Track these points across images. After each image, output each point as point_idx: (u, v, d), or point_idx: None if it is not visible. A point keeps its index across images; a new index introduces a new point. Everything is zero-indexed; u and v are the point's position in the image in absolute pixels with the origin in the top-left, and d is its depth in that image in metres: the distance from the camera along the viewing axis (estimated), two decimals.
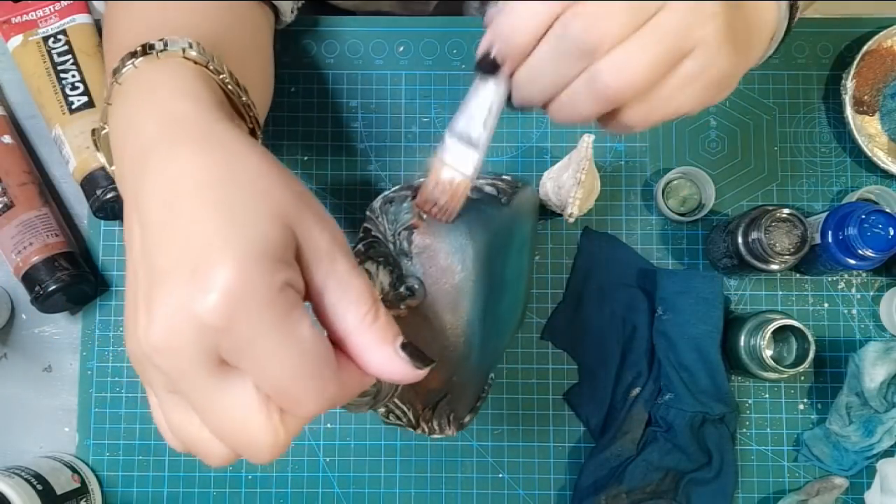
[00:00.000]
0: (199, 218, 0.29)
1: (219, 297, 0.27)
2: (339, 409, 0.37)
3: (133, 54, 0.37)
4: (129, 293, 0.32)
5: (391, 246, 0.43)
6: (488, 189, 0.50)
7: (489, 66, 0.35)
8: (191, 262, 0.28)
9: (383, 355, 0.31)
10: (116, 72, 0.38)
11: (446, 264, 0.41)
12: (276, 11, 0.56)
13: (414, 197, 0.42)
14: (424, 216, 0.41)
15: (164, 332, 0.28)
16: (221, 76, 0.38)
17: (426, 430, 0.44)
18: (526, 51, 0.35)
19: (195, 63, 0.37)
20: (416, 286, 0.42)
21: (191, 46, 0.38)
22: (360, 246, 0.44)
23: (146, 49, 0.37)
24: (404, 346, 0.32)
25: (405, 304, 0.41)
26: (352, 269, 0.31)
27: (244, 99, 0.40)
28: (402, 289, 0.42)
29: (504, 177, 0.50)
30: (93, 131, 0.40)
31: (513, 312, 0.53)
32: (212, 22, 0.45)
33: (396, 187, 0.44)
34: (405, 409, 0.42)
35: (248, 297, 0.28)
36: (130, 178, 0.33)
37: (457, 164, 0.37)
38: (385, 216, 0.43)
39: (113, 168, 0.39)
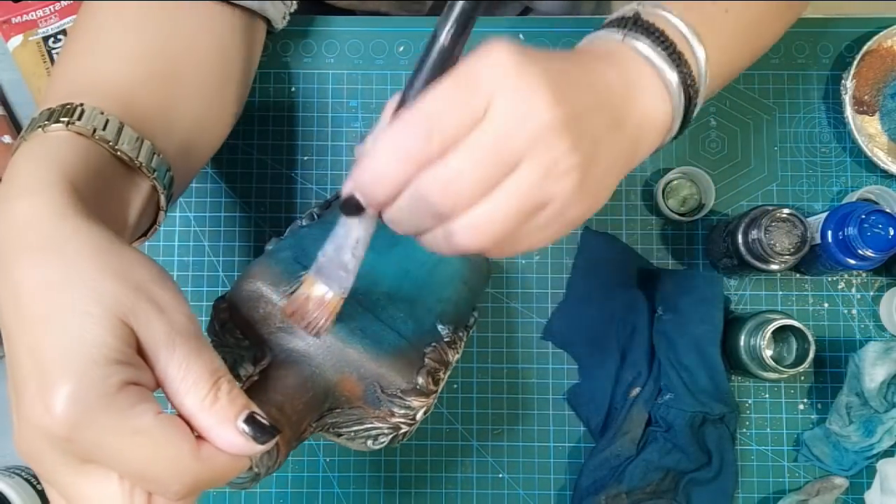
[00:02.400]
0: (38, 329, 0.31)
1: (59, 412, 0.30)
2: (226, 487, 0.38)
3: (31, 122, 0.40)
4: (7, 390, 0.34)
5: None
6: (305, 221, 0.53)
7: (354, 209, 0.36)
8: (36, 374, 0.31)
9: (225, 435, 0.33)
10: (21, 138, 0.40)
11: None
12: (268, 20, 0.56)
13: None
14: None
15: (24, 442, 0.32)
16: (109, 143, 0.39)
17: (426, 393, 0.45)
18: (387, 201, 0.36)
19: (78, 134, 0.38)
20: (265, 353, 0.44)
21: (79, 117, 0.39)
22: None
23: (41, 118, 0.39)
24: (248, 421, 0.33)
25: (257, 368, 0.43)
26: (190, 353, 0.33)
27: (140, 163, 0.41)
28: (255, 356, 0.44)
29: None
30: None
31: (411, 278, 0.52)
32: (138, 65, 0.46)
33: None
34: (378, 427, 0.45)
35: (85, 407, 0.30)
36: None
37: (330, 283, 0.39)
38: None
39: None
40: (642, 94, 0.41)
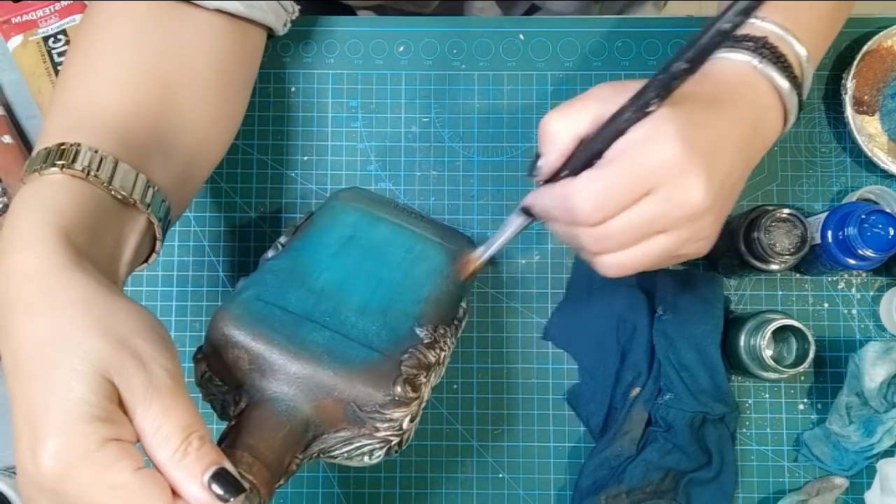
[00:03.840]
0: (31, 384, 0.34)
1: (46, 467, 0.33)
2: None
3: (30, 163, 0.41)
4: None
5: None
6: (270, 253, 0.53)
7: (526, 212, 0.48)
8: (28, 428, 0.34)
9: (191, 490, 0.35)
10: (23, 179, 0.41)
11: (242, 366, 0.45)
12: (269, 28, 0.56)
13: None
14: None
15: (21, 487, 0.35)
16: (104, 183, 0.40)
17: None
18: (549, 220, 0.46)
19: (74, 176, 0.40)
20: (242, 395, 0.44)
21: (73, 159, 0.40)
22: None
23: (39, 159, 0.40)
24: (215, 477, 0.35)
25: (236, 411, 0.44)
26: (164, 409, 0.35)
27: (135, 200, 0.42)
28: (234, 400, 0.45)
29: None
30: None
31: (377, 288, 0.51)
32: (133, 92, 0.46)
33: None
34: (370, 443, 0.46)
35: (68, 463, 0.33)
36: None
37: (483, 250, 0.52)
38: None
39: None
40: (766, 123, 0.46)
